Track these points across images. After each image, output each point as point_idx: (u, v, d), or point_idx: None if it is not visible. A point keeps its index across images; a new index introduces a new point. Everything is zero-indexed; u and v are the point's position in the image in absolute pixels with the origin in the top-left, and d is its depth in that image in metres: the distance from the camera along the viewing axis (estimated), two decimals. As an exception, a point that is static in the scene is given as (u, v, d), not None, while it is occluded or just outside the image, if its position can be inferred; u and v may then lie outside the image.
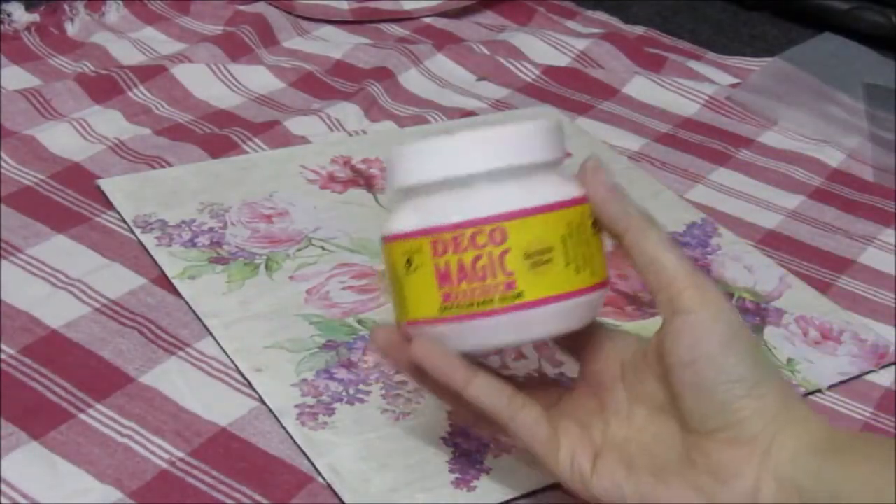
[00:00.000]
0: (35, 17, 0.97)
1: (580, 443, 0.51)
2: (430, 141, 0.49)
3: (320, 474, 0.57)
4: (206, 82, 0.91)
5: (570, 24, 1.10)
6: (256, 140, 0.84)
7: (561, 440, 0.51)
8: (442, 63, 0.98)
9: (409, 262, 0.49)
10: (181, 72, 0.91)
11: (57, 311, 0.65)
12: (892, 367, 0.68)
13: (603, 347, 0.53)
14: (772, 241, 0.79)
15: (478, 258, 0.48)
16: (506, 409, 0.50)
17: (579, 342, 0.53)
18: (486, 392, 0.50)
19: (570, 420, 0.52)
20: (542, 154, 0.50)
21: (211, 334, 0.65)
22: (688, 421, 0.49)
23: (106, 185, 0.76)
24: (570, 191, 0.50)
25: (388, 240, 0.51)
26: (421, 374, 0.51)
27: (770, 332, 0.70)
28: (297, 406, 0.61)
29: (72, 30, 0.98)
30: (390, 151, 0.51)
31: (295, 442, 0.59)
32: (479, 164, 0.48)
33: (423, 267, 0.49)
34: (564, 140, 0.51)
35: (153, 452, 0.57)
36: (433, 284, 0.49)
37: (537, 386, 0.54)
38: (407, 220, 0.50)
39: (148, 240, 0.72)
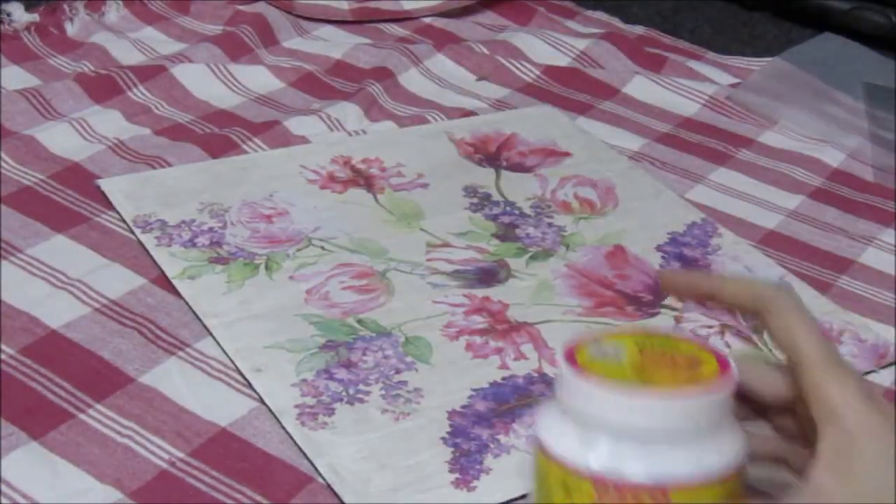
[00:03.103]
0: (35, 17, 0.97)
1: None
2: (613, 389, 0.47)
3: (320, 474, 0.57)
4: (206, 82, 0.91)
5: (570, 23, 1.10)
6: (256, 140, 0.84)
7: None
8: (442, 63, 0.98)
9: (567, 491, 0.47)
10: (181, 72, 0.91)
11: (57, 311, 0.65)
12: (892, 367, 0.68)
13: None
14: (772, 242, 0.79)
15: None
16: None
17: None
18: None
19: None
20: (717, 421, 0.47)
21: (211, 334, 0.65)
22: None
23: (106, 185, 0.76)
24: (734, 453, 0.47)
25: (547, 455, 0.48)
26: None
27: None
28: (296, 406, 0.61)
29: (71, 30, 0.98)
30: (569, 370, 0.48)
31: (295, 442, 0.59)
32: (665, 423, 0.46)
33: None
34: (730, 408, 0.49)
35: (153, 452, 0.57)
36: None
37: None
38: (575, 448, 0.47)
39: (148, 240, 0.72)
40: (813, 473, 0.46)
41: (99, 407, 0.60)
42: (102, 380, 0.61)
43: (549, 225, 0.77)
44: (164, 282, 0.69)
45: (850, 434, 0.46)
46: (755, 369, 0.51)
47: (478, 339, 0.67)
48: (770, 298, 0.49)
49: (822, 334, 0.48)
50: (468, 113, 0.91)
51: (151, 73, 0.90)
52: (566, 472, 0.48)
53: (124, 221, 0.73)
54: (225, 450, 0.58)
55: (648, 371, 0.48)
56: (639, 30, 1.09)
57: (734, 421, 0.48)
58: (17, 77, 0.89)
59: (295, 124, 0.86)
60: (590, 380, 0.47)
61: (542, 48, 1.02)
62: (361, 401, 0.61)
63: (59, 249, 0.70)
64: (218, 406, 0.61)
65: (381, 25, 1.06)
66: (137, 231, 0.72)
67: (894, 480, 0.45)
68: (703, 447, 0.47)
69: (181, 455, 0.57)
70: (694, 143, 0.90)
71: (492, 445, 0.59)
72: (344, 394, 0.62)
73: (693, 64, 1.03)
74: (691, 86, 0.97)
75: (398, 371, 0.64)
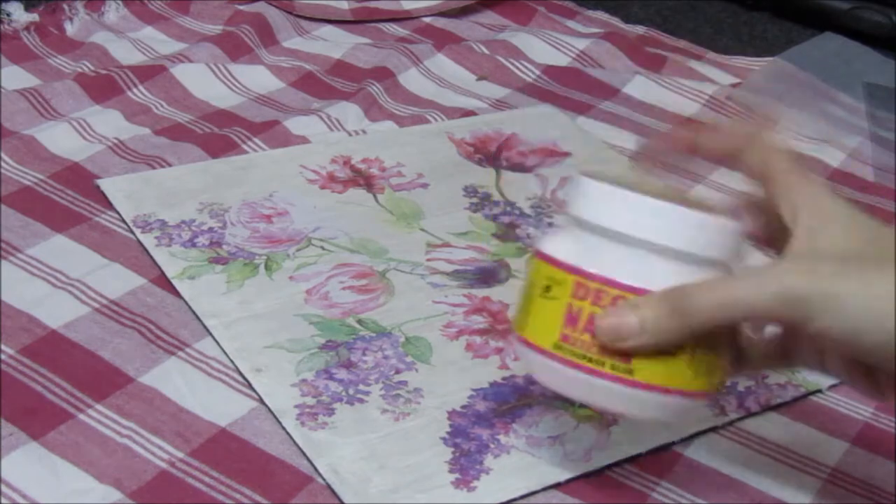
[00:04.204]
0: (35, 16, 0.97)
1: None
2: (613, 189, 0.49)
3: (320, 474, 0.57)
4: (206, 82, 0.91)
5: (570, 23, 1.10)
6: (256, 140, 0.84)
7: None
8: (442, 63, 0.98)
9: (548, 288, 0.50)
10: (181, 71, 0.91)
11: (57, 311, 0.65)
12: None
13: None
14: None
15: None
16: None
17: None
18: None
19: None
20: (717, 252, 0.50)
21: (211, 334, 0.65)
22: None
23: (105, 185, 0.76)
24: None
25: (540, 256, 0.51)
26: None
27: (770, 332, 0.69)
28: (296, 406, 0.61)
29: (71, 29, 0.98)
30: (579, 178, 0.51)
31: (295, 442, 0.59)
32: (656, 236, 0.48)
33: (558, 300, 0.49)
34: (740, 248, 0.51)
35: (153, 453, 0.57)
36: (559, 320, 0.49)
37: None
38: (565, 248, 0.50)
39: (147, 240, 0.72)
40: (786, 249, 0.50)
41: (99, 407, 0.60)
42: (102, 380, 0.61)
43: (550, 225, 0.77)
44: (163, 282, 0.69)
45: (820, 215, 0.49)
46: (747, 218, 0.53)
47: (478, 339, 0.67)
48: (745, 139, 0.51)
49: (795, 155, 0.51)
50: (468, 113, 0.91)
51: (151, 73, 0.90)
52: (552, 268, 0.50)
53: (124, 221, 0.73)
54: (225, 450, 0.58)
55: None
56: (639, 30, 1.09)
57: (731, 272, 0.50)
58: (16, 77, 0.89)
59: (295, 124, 0.86)
60: (594, 183, 0.50)
61: (542, 48, 1.02)
62: (361, 401, 0.61)
63: (59, 249, 0.70)
64: (218, 406, 0.61)
65: (381, 25, 1.06)
66: (137, 231, 0.72)
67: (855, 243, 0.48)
68: (694, 273, 0.48)
69: (181, 455, 0.57)
70: (694, 143, 0.90)
71: (492, 445, 0.59)
72: (344, 394, 0.62)
73: (693, 64, 1.03)
74: (691, 86, 0.97)
75: (398, 371, 0.64)
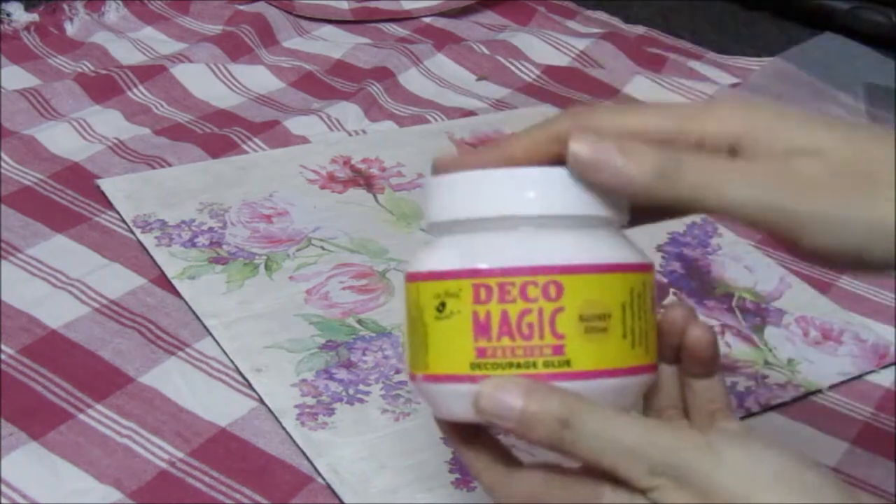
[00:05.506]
0: (35, 16, 0.97)
1: None
2: (479, 173, 0.43)
3: (320, 474, 0.57)
4: (206, 82, 0.91)
5: (571, 23, 1.10)
6: (256, 140, 0.84)
7: None
8: (442, 63, 0.98)
9: (441, 305, 0.42)
10: (181, 71, 0.91)
11: (57, 311, 0.65)
12: (893, 367, 0.68)
13: None
14: (772, 241, 0.79)
15: (526, 312, 0.41)
16: None
17: None
18: None
19: None
20: (608, 210, 0.43)
21: (211, 334, 0.65)
22: None
23: (105, 185, 0.76)
24: (634, 255, 0.44)
25: (417, 278, 0.44)
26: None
27: (770, 333, 0.70)
28: (296, 406, 0.61)
29: (71, 29, 0.98)
30: (429, 182, 0.45)
31: (295, 442, 0.59)
32: (538, 206, 0.42)
33: (458, 314, 0.42)
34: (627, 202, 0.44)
35: (153, 453, 0.57)
36: (468, 336, 0.42)
37: None
38: (444, 257, 0.43)
39: (147, 240, 0.72)
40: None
41: (99, 407, 0.60)
42: (102, 380, 0.61)
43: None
44: (164, 282, 0.69)
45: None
46: None
47: (478, 339, 0.67)
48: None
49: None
50: (468, 113, 0.91)
51: (151, 73, 0.90)
52: (438, 282, 0.42)
53: (124, 221, 0.73)
54: (225, 450, 0.58)
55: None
56: (639, 30, 1.09)
57: (627, 238, 0.44)
58: (17, 77, 0.89)
59: (295, 124, 0.86)
60: (447, 180, 0.44)
61: (542, 48, 1.02)
62: (361, 401, 0.61)
63: (59, 249, 0.70)
64: (218, 406, 0.61)
65: (381, 25, 1.06)
66: (137, 231, 0.72)
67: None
68: (594, 236, 0.42)
69: (181, 455, 0.57)
70: (694, 143, 0.90)
71: (492, 445, 0.59)
72: (344, 394, 0.62)
73: (693, 64, 1.03)
74: (692, 86, 0.97)
75: (398, 371, 0.64)
